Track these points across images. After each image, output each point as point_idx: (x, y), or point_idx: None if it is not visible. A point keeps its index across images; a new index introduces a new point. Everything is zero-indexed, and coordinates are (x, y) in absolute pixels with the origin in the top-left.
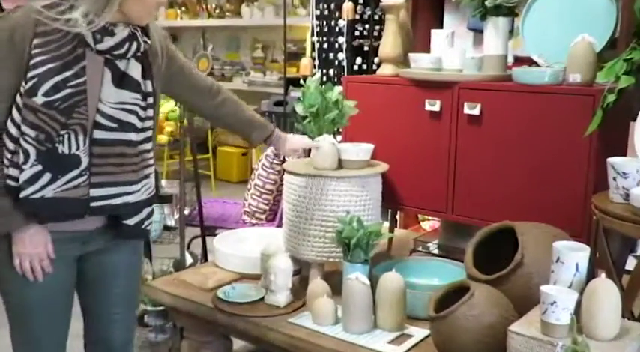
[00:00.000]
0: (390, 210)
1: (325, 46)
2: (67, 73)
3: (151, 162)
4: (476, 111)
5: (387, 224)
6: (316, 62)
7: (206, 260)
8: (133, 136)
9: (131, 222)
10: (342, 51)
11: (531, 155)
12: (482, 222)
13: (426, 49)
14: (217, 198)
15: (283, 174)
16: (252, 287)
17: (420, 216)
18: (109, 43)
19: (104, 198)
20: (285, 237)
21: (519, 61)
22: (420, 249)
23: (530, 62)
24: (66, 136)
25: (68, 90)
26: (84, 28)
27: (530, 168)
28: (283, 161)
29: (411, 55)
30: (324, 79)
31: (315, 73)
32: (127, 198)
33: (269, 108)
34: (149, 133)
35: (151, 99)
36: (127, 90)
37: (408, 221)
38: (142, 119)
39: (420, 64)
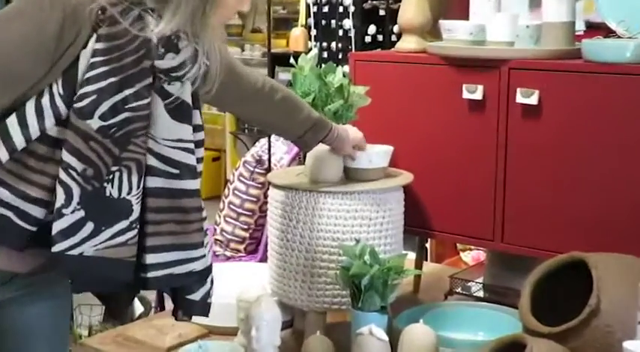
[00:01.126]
0: (416, 237)
1: (325, 9)
2: (128, 92)
3: (205, 215)
4: (532, 100)
5: (412, 256)
6: (313, 32)
7: (162, 308)
8: (192, 184)
9: (197, 295)
10: (348, 16)
11: (609, 161)
12: (542, 253)
13: (464, 14)
14: None
15: (268, 188)
16: (227, 346)
17: (458, 244)
18: (170, 62)
19: (163, 267)
20: (272, 275)
21: (592, 29)
22: (458, 290)
23: (607, 32)
24: (117, 175)
25: (126, 114)
26: (156, 32)
27: (608, 178)
28: (268, 170)
29: (443, 23)
30: (325, 55)
31: (311, 48)
32: (191, 265)
33: None
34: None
35: (201, 135)
36: (184, 122)
37: (441, 251)
38: (198, 160)
39: (456, 34)
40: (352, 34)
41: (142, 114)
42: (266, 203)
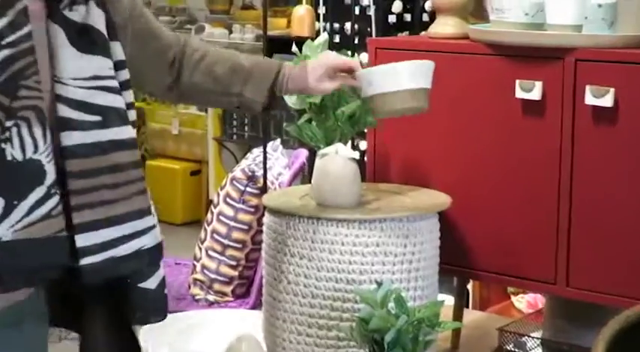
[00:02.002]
0: (455, 278)
1: None
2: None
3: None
4: (606, 101)
5: (450, 302)
6: (321, 10)
7: None
8: (124, 132)
9: (151, 283)
10: None
11: None
12: (618, 301)
13: None
14: None
15: (263, 213)
16: None
17: (509, 288)
18: None
19: (101, 248)
20: (266, 327)
21: None
22: (509, 347)
23: None
24: (14, 131)
25: (5, 52)
26: None
27: None
28: (263, 190)
29: (490, 0)
30: (336, 40)
31: (318, 32)
32: (139, 241)
33: None
34: (134, 130)
35: (126, 74)
36: (97, 54)
37: (487, 296)
38: (127, 104)
39: (507, 16)
40: (372, 12)
41: (24, 47)
42: (260, 232)
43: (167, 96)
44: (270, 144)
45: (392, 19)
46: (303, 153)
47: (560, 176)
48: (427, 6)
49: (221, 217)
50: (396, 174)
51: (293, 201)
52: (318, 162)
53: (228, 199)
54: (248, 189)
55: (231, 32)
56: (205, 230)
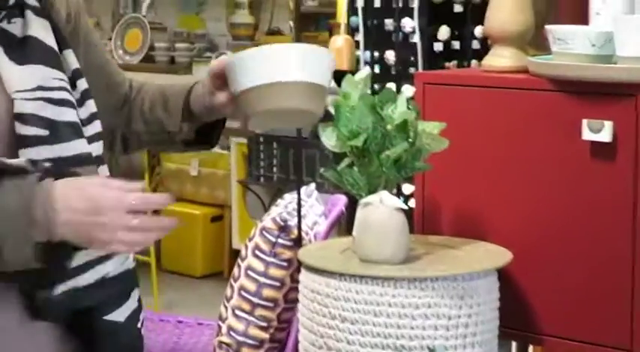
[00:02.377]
0: (514, 343)
1: (376, 2)
2: None
3: None
4: None
5: None
6: (359, 37)
7: None
8: (83, 146)
9: (119, 315)
10: (409, 13)
11: None
12: None
13: (582, 17)
14: (165, 314)
15: (298, 268)
16: None
17: None
18: None
19: (61, 278)
20: None
21: None
22: None
23: None
24: None
25: None
26: None
27: None
28: (297, 242)
29: (552, 30)
30: (376, 70)
31: (358, 62)
32: (102, 267)
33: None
34: (101, 146)
35: (83, 83)
36: (37, 63)
37: None
38: (82, 120)
39: (571, 46)
40: (417, 39)
41: None
42: (294, 290)
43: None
44: (303, 189)
45: (438, 46)
46: (341, 200)
47: (635, 226)
48: (478, 32)
49: (250, 272)
50: (448, 224)
51: (333, 256)
52: (360, 212)
53: (257, 252)
54: (280, 240)
55: None
56: (232, 286)
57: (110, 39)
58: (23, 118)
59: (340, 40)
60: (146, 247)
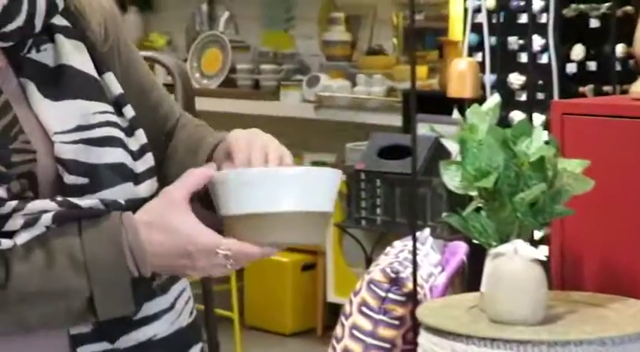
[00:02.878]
0: None
1: (500, 16)
2: None
3: None
4: None
5: None
6: (479, 57)
7: None
8: (129, 190)
9: None
10: (538, 31)
11: None
12: None
13: None
14: None
15: (414, 327)
16: None
17: None
18: None
19: (96, 337)
20: None
21: None
22: None
23: None
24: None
25: None
26: None
27: None
28: (412, 297)
29: None
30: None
31: (484, 94)
32: (150, 328)
33: (366, 162)
34: (154, 183)
35: (129, 111)
36: (80, 97)
37: None
38: (133, 153)
39: None
40: (551, 59)
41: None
42: None
43: None
44: (420, 238)
45: (571, 68)
46: (460, 248)
47: None
48: (618, 51)
49: (355, 332)
50: (592, 278)
51: (458, 315)
52: (490, 264)
53: (364, 308)
54: (391, 295)
55: (354, 85)
56: (334, 348)
57: (185, 60)
58: (64, 164)
59: (463, 63)
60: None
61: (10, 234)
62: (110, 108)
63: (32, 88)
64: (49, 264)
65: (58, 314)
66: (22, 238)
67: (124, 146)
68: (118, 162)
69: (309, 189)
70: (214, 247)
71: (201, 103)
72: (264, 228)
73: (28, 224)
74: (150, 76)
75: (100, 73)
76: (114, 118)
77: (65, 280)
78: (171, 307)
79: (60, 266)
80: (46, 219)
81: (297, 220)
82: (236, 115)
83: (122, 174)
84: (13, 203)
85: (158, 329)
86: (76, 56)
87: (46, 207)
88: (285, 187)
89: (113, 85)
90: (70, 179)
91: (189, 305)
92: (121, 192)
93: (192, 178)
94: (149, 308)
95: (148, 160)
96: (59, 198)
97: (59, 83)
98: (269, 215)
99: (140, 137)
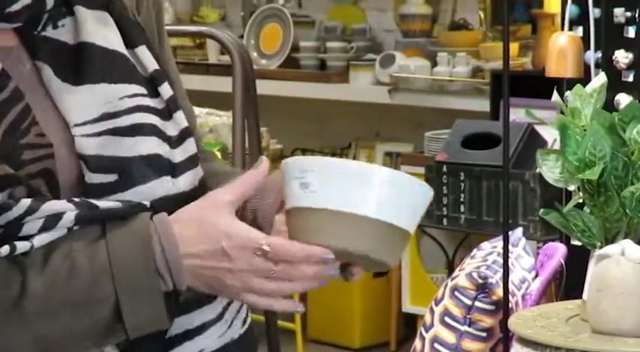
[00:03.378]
0: None
1: None
2: None
3: None
4: None
5: None
6: (579, 32)
7: None
8: (165, 185)
9: None
10: None
11: None
12: None
13: None
14: None
15: (502, 340)
16: None
17: None
18: None
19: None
20: None
21: None
22: None
23: None
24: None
25: None
26: None
27: None
28: (503, 305)
29: None
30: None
31: (588, 67)
32: (194, 343)
33: (449, 153)
34: (197, 174)
35: (167, 89)
36: (104, 81)
37: None
38: (171, 140)
39: None
40: None
41: (6, 95)
42: None
43: None
44: (512, 239)
45: None
46: (558, 250)
47: None
48: None
49: (437, 346)
50: None
51: (556, 325)
52: (594, 268)
53: (447, 319)
54: (478, 303)
55: (435, 65)
56: None
57: (242, 37)
58: (86, 161)
59: (564, 38)
60: (289, 308)
61: (27, 238)
62: (142, 90)
63: (48, 72)
64: (70, 270)
65: (82, 328)
66: (40, 240)
67: (159, 133)
68: (153, 153)
69: (400, 199)
70: (253, 243)
71: (260, 87)
72: (334, 230)
73: (48, 226)
74: (177, 73)
75: (131, 46)
76: (146, 101)
77: (88, 287)
78: (219, 318)
79: (82, 272)
80: (68, 219)
81: (375, 230)
82: (299, 100)
83: (157, 166)
84: (27, 202)
85: (204, 344)
86: (100, 31)
87: (63, 208)
88: (375, 189)
89: (147, 59)
90: (92, 178)
91: (241, 314)
92: (157, 188)
93: (244, 182)
94: (192, 320)
95: (189, 148)
96: (76, 199)
97: (80, 64)
98: (345, 216)
99: (179, 120)
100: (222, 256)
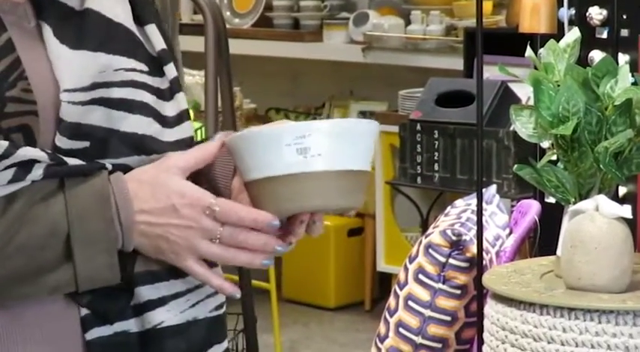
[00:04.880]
0: None
1: None
2: None
3: None
4: None
5: None
6: None
7: None
8: (136, 163)
9: None
10: None
11: None
12: None
13: None
14: None
15: (474, 297)
16: None
17: None
18: None
19: (97, 319)
20: None
21: None
22: None
23: None
24: None
25: None
26: None
27: None
28: (477, 262)
29: None
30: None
31: (560, 23)
32: (154, 314)
33: (423, 111)
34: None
35: (172, 70)
36: (102, 50)
37: None
38: (166, 120)
39: None
40: None
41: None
42: (470, 326)
43: None
44: (487, 192)
45: None
46: (531, 207)
47: None
48: None
49: (411, 303)
50: None
51: (530, 281)
52: (568, 223)
53: (421, 276)
54: (452, 261)
55: (408, 23)
56: (386, 321)
57: None
58: (62, 127)
59: None
60: (226, 289)
61: None
62: (142, 66)
63: (48, 31)
64: (27, 217)
65: (31, 272)
66: (5, 190)
67: (149, 112)
68: (131, 131)
69: (340, 144)
70: (203, 202)
71: (233, 46)
72: (288, 193)
73: (17, 178)
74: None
75: (141, 23)
76: (144, 78)
77: (44, 233)
78: (181, 295)
79: (39, 219)
80: (37, 173)
81: (327, 181)
82: (272, 59)
83: (133, 145)
84: (4, 145)
85: (164, 317)
86: (110, 2)
87: (37, 156)
88: (312, 143)
89: (155, 38)
90: (63, 142)
91: (215, 298)
92: (129, 165)
93: (199, 151)
94: (153, 292)
95: (184, 130)
96: (49, 151)
97: (81, 29)
98: (292, 176)
99: (180, 101)
100: (172, 212)
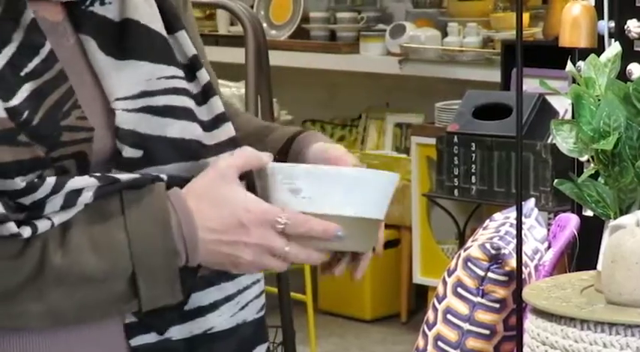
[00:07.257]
0: None
1: None
2: (9, 51)
3: None
4: None
5: None
6: (601, 2)
7: None
8: (185, 168)
9: None
10: None
11: None
12: None
13: None
14: None
15: (514, 311)
16: None
17: None
18: None
19: (147, 327)
20: None
21: None
22: None
23: None
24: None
25: (27, 87)
26: None
27: None
28: (516, 276)
29: None
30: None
31: (601, 37)
32: (205, 320)
33: (460, 124)
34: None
35: (204, 75)
36: (145, 59)
37: None
38: (204, 124)
39: None
40: None
41: (51, 75)
42: (509, 340)
43: None
44: (526, 206)
45: None
46: (570, 221)
47: None
48: None
49: (450, 317)
50: None
51: (569, 296)
52: (608, 238)
53: (460, 290)
54: (491, 274)
55: (445, 35)
56: (425, 335)
57: (252, 6)
58: (122, 136)
59: (577, 8)
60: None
61: (47, 216)
62: (179, 73)
63: (93, 46)
64: (88, 246)
65: (97, 302)
66: (60, 218)
67: (192, 117)
68: (178, 137)
69: (368, 193)
70: (272, 216)
71: (270, 58)
72: None
73: (68, 204)
74: (204, 54)
75: (172, 31)
76: (183, 84)
77: (106, 264)
78: (229, 299)
79: (100, 249)
80: (87, 195)
81: (355, 227)
82: (309, 71)
83: (180, 150)
84: (52, 181)
85: (215, 322)
86: (145, 10)
87: (84, 184)
88: (351, 190)
89: (186, 44)
90: (128, 152)
91: (259, 299)
92: (176, 171)
93: (245, 156)
94: (202, 298)
95: (225, 132)
96: (97, 174)
97: (124, 40)
98: (329, 217)
99: (215, 106)
100: (239, 229)
